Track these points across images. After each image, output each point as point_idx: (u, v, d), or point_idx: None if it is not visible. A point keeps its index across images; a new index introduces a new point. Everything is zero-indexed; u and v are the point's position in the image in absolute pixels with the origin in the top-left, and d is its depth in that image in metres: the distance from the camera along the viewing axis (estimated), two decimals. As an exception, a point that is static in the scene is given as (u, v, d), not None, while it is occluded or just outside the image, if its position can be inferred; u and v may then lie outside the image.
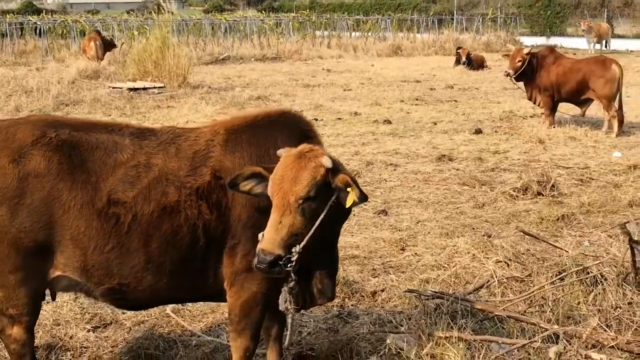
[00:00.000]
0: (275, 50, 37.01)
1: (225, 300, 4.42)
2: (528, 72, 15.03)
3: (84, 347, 5.23)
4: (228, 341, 5.17)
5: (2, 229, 4.01)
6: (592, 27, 37.88)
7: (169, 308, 5.60)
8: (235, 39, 39.65)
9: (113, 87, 21.34)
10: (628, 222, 7.43)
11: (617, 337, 4.67)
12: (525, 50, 15.40)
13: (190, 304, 5.64)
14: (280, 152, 4.02)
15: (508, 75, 15.36)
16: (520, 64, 15.00)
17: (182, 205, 4.10)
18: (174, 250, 4.11)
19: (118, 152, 4.16)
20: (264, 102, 19.34)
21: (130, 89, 20.85)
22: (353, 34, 44.38)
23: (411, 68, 29.92)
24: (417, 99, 20.12)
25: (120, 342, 5.28)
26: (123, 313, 5.76)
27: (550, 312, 5.36)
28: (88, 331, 5.44)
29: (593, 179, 10.51)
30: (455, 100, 19.83)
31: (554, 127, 14.71)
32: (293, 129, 4.35)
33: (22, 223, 4.01)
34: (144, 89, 21.13)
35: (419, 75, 26.93)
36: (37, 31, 37.97)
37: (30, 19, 40.47)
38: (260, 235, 3.89)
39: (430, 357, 4.52)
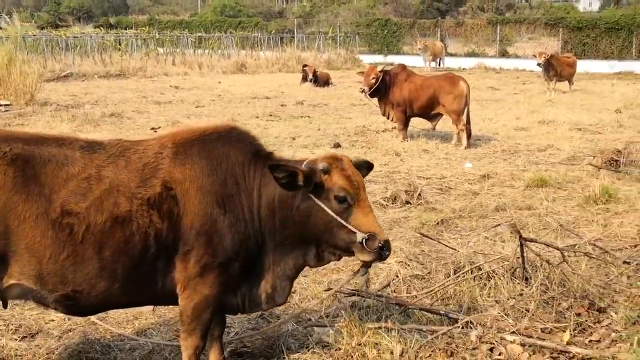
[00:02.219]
0: (118, 67, 36.49)
1: (171, 303, 4.71)
2: (382, 88, 15.73)
3: (18, 356, 5.28)
4: (162, 342, 5.46)
5: None
6: (427, 46, 39.89)
7: (94, 316, 5.75)
8: (76, 56, 38.78)
9: (-44, 105, 20.56)
10: (500, 224, 8.22)
11: (516, 324, 5.28)
12: (379, 68, 16.10)
13: (112, 311, 5.79)
14: (322, 165, 4.48)
15: (363, 91, 15.99)
16: (374, 80, 15.68)
17: (134, 215, 4.32)
18: (126, 257, 4.34)
19: (69, 165, 4.34)
20: (119, 119, 19.21)
21: (-25, 107, 20.17)
22: (196, 51, 44.46)
23: (258, 85, 30.39)
24: (270, 115, 20.57)
25: (55, 349, 5.38)
26: (47, 323, 5.87)
27: (453, 305, 5.95)
28: (17, 341, 5.51)
29: (452, 188, 11.26)
30: (309, 116, 20.42)
31: (407, 141, 15.54)
32: (245, 143, 4.69)
33: None
34: (-11, 106, 20.49)
35: (268, 92, 27.42)
36: None
37: None
38: (359, 234, 4.40)
39: (359, 347, 4.94)
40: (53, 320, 5.95)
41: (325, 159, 4.58)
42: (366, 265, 4.72)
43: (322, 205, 4.50)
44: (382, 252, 4.50)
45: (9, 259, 4.23)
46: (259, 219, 4.59)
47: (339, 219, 4.48)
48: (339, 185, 4.50)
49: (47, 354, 5.33)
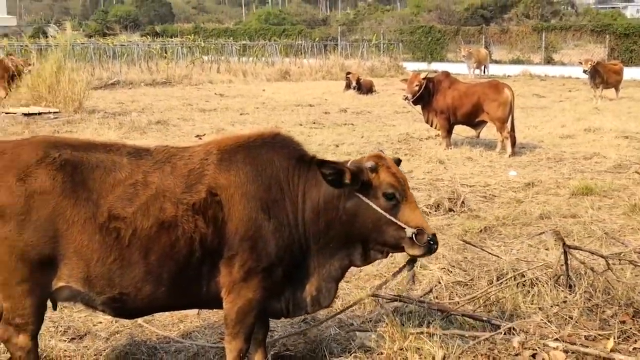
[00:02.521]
0: (164, 75, 36.97)
1: (216, 307, 4.80)
2: (425, 96, 15.70)
3: (68, 357, 5.42)
4: (207, 344, 5.56)
5: (10, 243, 4.23)
6: (472, 53, 39.70)
7: (140, 319, 5.87)
8: (123, 64, 39.36)
9: (6, 113, 20.92)
10: (544, 232, 8.19)
11: (559, 331, 5.26)
12: (422, 75, 16.06)
13: (158, 314, 5.89)
14: (369, 164, 4.58)
15: (406, 98, 15.98)
16: (417, 88, 15.66)
17: (179, 220, 4.41)
18: (171, 261, 4.43)
19: (117, 170, 4.45)
20: (165, 127, 19.46)
21: (25, 114, 20.52)
22: (241, 59, 44.83)
23: (302, 92, 30.55)
24: (314, 123, 20.66)
25: (102, 351, 5.51)
26: (95, 325, 6.01)
27: (495, 311, 5.96)
28: (66, 342, 5.65)
29: (496, 196, 11.22)
30: (352, 124, 20.47)
31: (451, 148, 15.50)
32: (289, 149, 4.77)
33: (29, 237, 4.25)
34: (39, 114, 20.83)
35: (312, 100, 27.56)
36: None
37: None
38: (409, 229, 4.50)
39: (401, 352, 4.98)
40: (101, 323, 6.08)
41: (371, 158, 4.67)
42: (412, 260, 4.86)
43: (371, 204, 4.57)
44: (431, 245, 4.59)
45: (58, 262, 4.35)
46: (303, 224, 4.66)
47: (388, 215, 4.56)
48: (388, 182, 4.58)
49: (95, 355, 5.47)
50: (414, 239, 4.54)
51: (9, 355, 5.22)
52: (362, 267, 5.06)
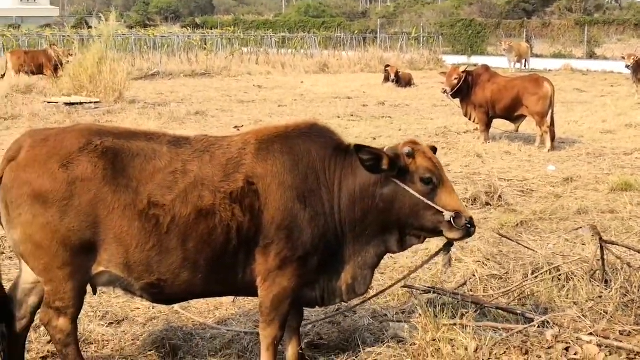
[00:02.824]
0: (204, 67, 37.21)
1: (251, 294, 4.87)
2: (464, 89, 15.66)
3: (106, 341, 5.55)
4: (242, 330, 5.64)
5: (52, 228, 4.34)
6: (512, 47, 39.36)
7: (177, 305, 5.98)
8: (163, 55, 39.68)
9: (49, 102, 21.16)
10: (581, 227, 8.16)
11: (594, 325, 5.25)
12: (461, 69, 15.98)
13: (194, 301, 5.98)
14: (406, 150, 4.65)
15: (445, 92, 15.94)
16: (456, 81, 15.61)
17: (217, 208, 4.48)
18: (209, 249, 4.50)
19: (157, 159, 4.53)
20: (203, 117, 19.64)
21: (67, 104, 20.76)
22: (280, 50, 44.95)
23: (340, 85, 30.54)
24: (352, 115, 20.69)
25: (140, 336, 5.62)
26: (132, 311, 6.13)
27: (530, 305, 5.96)
28: (105, 327, 5.78)
29: (533, 191, 11.18)
30: (390, 117, 20.46)
31: (489, 142, 15.43)
32: (326, 139, 4.82)
33: (70, 223, 4.35)
34: (80, 103, 21.05)
35: (350, 92, 27.56)
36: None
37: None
38: (447, 213, 4.57)
39: (433, 342, 5.01)
40: (138, 309, 6.19)
41: (407, 144, 4.71)
42: (449, 244, 4.89)
43: (408, 189, 4.61)
44: (469, 228, 4.64)
45: (99, 248, 4.44)
46: (339, 212, 4.71)
47: (426, 200, 4.60)
48: (425, 167, 4.63)
49: (132, 339, 5.59)
50: (452, 222, 4.58)
51: (48, 338, 5.38)
52: (398, 253, 5.09)
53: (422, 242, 4.95)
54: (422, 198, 4.62)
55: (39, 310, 4.67)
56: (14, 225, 4.43)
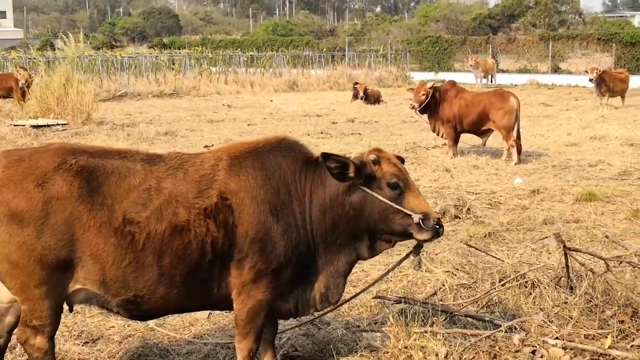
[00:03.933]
0: (172, 87, 37.26)
1: (226, 308, 4.96)
2: (432, 105, 15.86)
3: (82, 359, 5.61)
4: (219, 342, 5.72)
5: (28, 247, 4.40)
6: (479, 63, 39.92)
7: (152, 322, 6.04)
8: (131, 76, 39.64)
9: (15, 125, 21.01)
10: (547, 237, 8.35)
11: (559, 330, 5.40)
12: (429, 85, 16.17)
13: (170, 317, 6.05)
14: (371, 157, 4.78)
15: (413, 107, 16.13)
16: (424, 97, 15.81)
17: (192, 224, 4.57)
18: (184, 264, 4.59)
19: (131, 176, 4.61)
20: (172, 138, 19.64)
21: (34, 126, 20.65)
22: (248, 70, 45.10)
23: (310, 103, 30.72)
24: (322, 132, 20.83)
25: (116, 353, 5.67)
26: (107, 329, 6.17)
27: (498, 312, 6.11)
28: (80, 345, 5.80)
29: (501, 203, 11.35)
30: (359, 133, 20.63)
31: (457, 157, 15.64)
32: (295, 153, 4.95)
33: (46, 241, 4.41)
34: (48, 126, 20.94)
35: (319, 110, 27.75)
36: None
37: None
38: (415, 216, 4.68)
39: (405, 350, 5.13)
40: (113, 327, 6.23)
41: (371, 152, 4.86)
42: (419, 246, 5.03)
43: (376, 195, 4.75)
44: (438, 229, 4.77)
45: (75, 265, 4.51)
46: (311, 223, 4.83)
47: (394, 205, 4.74)
48: (391, 173, 4.78)
49: (108, 357, 5.62)
50: (421, 224, 4.71)
51: (25, 357, 5.42)
52: (369, 259, 5.21)
53: (393, 246, 5.06)
54: (390, 203, 4.75)
55: (16, 330, 4.71)
56: (-10, 245, 4.49)
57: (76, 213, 4.44)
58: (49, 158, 4.56)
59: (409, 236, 4.83)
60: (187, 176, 4.70)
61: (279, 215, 4.71)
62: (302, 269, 4.85)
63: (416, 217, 4.71)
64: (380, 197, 4.75)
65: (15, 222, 4.38)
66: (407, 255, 5.24)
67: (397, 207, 4.74)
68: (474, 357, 4.99)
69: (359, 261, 5.09)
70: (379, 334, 5.46)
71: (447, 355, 4.96)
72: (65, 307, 4.72)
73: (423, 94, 15.84)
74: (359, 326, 6.02)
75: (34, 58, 38.24)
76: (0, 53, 48.57)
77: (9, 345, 5.07)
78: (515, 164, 14.91)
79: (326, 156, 4.71)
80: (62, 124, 21.24)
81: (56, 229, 4.42)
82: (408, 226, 4.76)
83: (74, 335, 6.01)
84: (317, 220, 4.83)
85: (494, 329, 5.41)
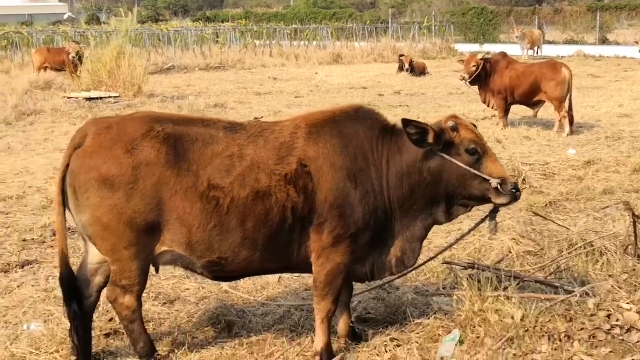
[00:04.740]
0: (218, 60, 37.44)
1: (304, 271, 5.13)
2: (482, 76, 15.77)
3: (162, 319, 5.82)
4: (292, 306, 5.88)
5: (119, 210, 4.60)
6: (525, 34, 39.40)
7: (225, 285, 6.23)
8: (177, 49, 39.93)
9: (69, 97, 21.38)
10: (609, 206, 8.38)
11: (630, 296, 5.48)
12: (479, 56, 16.15)
13: (242, 281, 6.21)
14: (450, 124, 4.89)
15: (463, 79, 16.08)
16: (475, 68, 15.73)
17: (273, 190, 4.73)
18: (266, 228, 4.75)
19: (214, 144, 4.78)
20: (222, 110, 19.83)
21: (87, 99, 20.99)
22: (292, 43, 45.09)
23: (355, 75, 30.65)
24: (369, 105, 20.77)
25: (194, 314, 5.88)
26: (183, 291, 6.40)
27: (566, 279, 6.19)
28: (159, 306, 6.04)
29: (556, 174, 11.34)
30: (407, 105, 20.60)
31: (508, 128, 15.60)
32: (372, 121, 5.08)
33: (136, 205, 4.61)
34: (100, 98, 21.26)
35: (365, 82, 27.69)
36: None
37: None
38: (494, 180, 4.81)
39: (480, 313, 5.23)
40: (188, 289, 6.45)
41: (449, 119, 4.96)
42: (495, 210, 5.15)
43: (455, 161, 4.86)
44: (515, 193, 4.89)
45: (162, 228, 4.70)
46: (388, 189, 4.95)
47: (472, 170, 4.85)
48: (470, 139, 4.90)
49: (187, 317, 5.84)
50: (500, 188, 4.82)
51: (109, 316, 5.66)
52: (446, 223, 5.31)
53: (470, 211, 5.18)
54: (469, 168, 4.85)
55: (106, 289, 4.92)
56: (82, 209, 4.68)
57: (164, 178, 4.63)
58: (136, 126, 4.74)
59: (487, 201, 4.95)
60: (267, 144, 4.85)
61: (357, 181, 4.84)
62: (379, 233, 4.98)
63: (494, 182, 4.81)
64: (459, 163, 4.85)
65: (107, 186, 4.58)
66: (483, 220, 5.33)
67: (476, 172, 4.84)
68: (550, 320, 5.08)
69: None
70: (451, 298, 5.57)
71: (523, 318, 5.05)
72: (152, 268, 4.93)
73: (474, 66, 15.76)
74: (428, 291, 6.15)
75: (83, 32, 38.66)
76: (49, 27, 49.13)
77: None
78: (568, 135, 14.82)
79: (406, 122, 4.81)
80: (114, 97, 21.52)
81: (145, 194, 4.60)
82: (486, 191, 4.87)
83: (152, 296, 6.24)
84: (395, 186, 4.95)
85: (565, 295, 5.49)
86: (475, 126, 5.12)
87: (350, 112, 5.10)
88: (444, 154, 4.89)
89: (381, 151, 4.98)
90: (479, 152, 4.89)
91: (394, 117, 14.75)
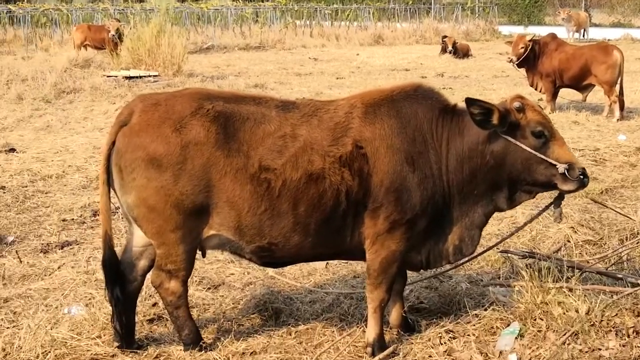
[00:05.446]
0: (258, 40, 37.22)
1: (356, 258, 4.92)
2: (530, 58, 15.42)
3: (207, 305, 5.65)
4: (341, 293, 5.68)
5: (166, 191, 4.42)
6: (571, 16, 38.63)
7: (271, 270, 6.04)
8: (216, 28, 39.79)
9: (108, 76, 21.32)
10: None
11: (698, 290, 5.20)
12: (528, 37, 15.76)
13: (287, 267, 6.02)
14: (516, 104, 4.62)
15: (511, 61, 15.75)
16: (523, 50, 15.38)
17: (327, 172, 4.51)
18: (319, 212, 4.54)
19: (266, 123, 4.57)
20: (263, 90, 19.62)
21: (126, 77, 20.92)
22: (333, 23, 44.73)
23: (397, 57, 30.24)
24: (429, 84, 20.42)
25: (240, 300, 5.71)
26: (227, 276, 6.23)
27: (628, 270, 5.90)
28: (203, 291, 5.87)
29: (607, 160, 11.01)
30: (451, 88, 20.18)
31: (556, 112, 15.22)
32: (432, 101, 4.82)
33: (183, 186, 4.42)
34: (139, 77, 21.19)
35: (407, 64, 27.31)
36: (12, 20, 37.72)
37: (10, 7, 40.06)
38: (560, 165, 4.54)
39: (542, 305, 4.99)
40: (233, 274, 6.27)
41: (515, 99, 4.68)
42: (560, 197, 4.88)
43: (520, 144, 4.59)
44: (583, 179, 4.62)
45: (211, 211, 4.52)
46: (447, 173, 4.70)
47: (538, 154, 4.58)
48: (537, 121, 4.63)
49: (232, 303, 5.67)
50: (567, 174, 4.55)
51: (153, 301, 5.49)
52: (508, 210, 5.05)
53: (533, 197, 4.92)
54: (535, 152, 4.59)
55: (150, 273, 4.76)
56: (128, 189, 4.51)
57: (213, 159, 4.44)
58: (185, 103, 4.56)
59: (553, 187, 4.68)
60: (321, 123, 4.63)
61: (415, 164, 4.61)
62: (437, 220, 4.75)
63: (561, 167, 4.55)
64: (524, 147, 4.59)
65: (154, 166, 4.40)
66: (547, 207, 5.08)
67: (542, 156, 4.57)
68: (617, 314, 4.83)
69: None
70: (506, 289, 5.32)
71: (588, 311, 4.81)
72: (199, 252, 4.75)
73: (522, 47, 15.40)
74: (482, 280, 5.91)
75: (123, 10, 38.66)
76: (88, 5, 49.24)
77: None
78: (618, 120, 14.43)
79: (470, 101, 4.56)
80: (154, 76, 21.43)
81: (193, 175, 4.42)
82: (552, 176, 4.60)
83: (196, 281, 6.07)
84: (454, 170, 4.70)
85: (630, 287, 5.22)
86: (541, 107, 4.85)
87: (409, 90, 4.85)
88: (508, 136, 4.62)
89: (441, 133, 4.73)
90: (545, 135, 4.62)
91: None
